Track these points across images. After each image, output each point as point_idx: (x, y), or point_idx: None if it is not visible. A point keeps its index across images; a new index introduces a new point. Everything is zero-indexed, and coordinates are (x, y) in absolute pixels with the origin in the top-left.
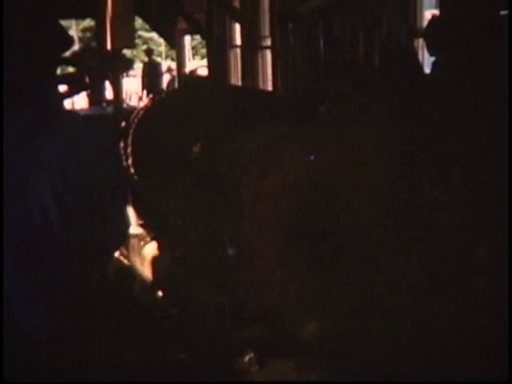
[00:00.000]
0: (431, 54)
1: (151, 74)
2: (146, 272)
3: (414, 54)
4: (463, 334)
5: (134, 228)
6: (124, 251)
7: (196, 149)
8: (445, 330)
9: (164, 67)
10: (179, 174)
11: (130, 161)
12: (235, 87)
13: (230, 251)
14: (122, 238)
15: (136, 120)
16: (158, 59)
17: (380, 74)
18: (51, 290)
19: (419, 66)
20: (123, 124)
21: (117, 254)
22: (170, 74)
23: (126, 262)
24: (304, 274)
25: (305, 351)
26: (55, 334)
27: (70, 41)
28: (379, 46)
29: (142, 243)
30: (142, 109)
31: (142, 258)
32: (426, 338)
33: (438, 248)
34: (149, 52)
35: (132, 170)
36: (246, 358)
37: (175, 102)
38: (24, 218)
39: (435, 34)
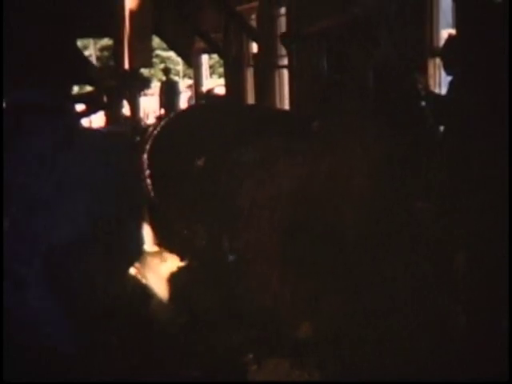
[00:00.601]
0: (448, 73)
1: (169, 93)
2: (163, 289)
3: (412, 76)
4: (448, 333)
5: (151, 246)
6: (141, 269)
7: (200, 162)
8: (432, 330)
9: (182, 86)
10: (185, 186)
11: (146, 176)
12: (243, 106)
13: (230, 257)
14: (137, 253)
15: (151, 138)
16: (176, 78)
17: (376, 95)
18: (78, 303)
19: (416, 88)
20: (138, 140)
21: (133, 271)
22: (191, 91)
23: (142, 279)
24: (297, 278)
25: (299, 351)
26: (81, 348)
27: (86, 62)
28: (374, 68)
29: (159, 261)
30: (155, 127)
31: (159, 276)
32: (416, 339)
33: (421, 254)
34: (166, 71)
35: (149, 187)
36: (247, 359)
37: (188, 120)
38: (52, 232)
39: (452, 53)
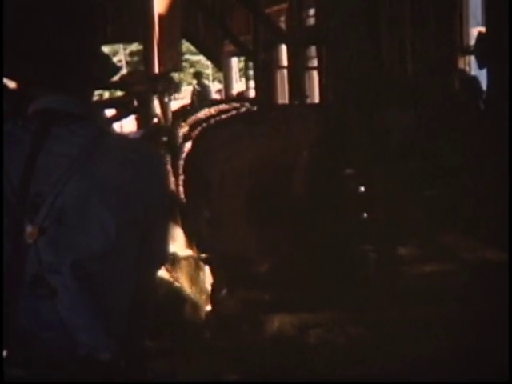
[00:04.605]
0: (480, 68)
1: (200, 97)
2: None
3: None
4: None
5: (184, 250)
6: (174, 273)
7: (189, 145)
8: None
9: (212, 89)
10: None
11: (180, 187)
12: None
13: (206, 214)
14: (165, 257)
15: (187, 150)
16: (206, 81)
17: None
18: (110, 310)
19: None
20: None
21: (166, 275)
22: (220, 95)
23: (175, 283)
24: (258, 229)
25: (261, 284)
26: (116, 354)
27: (115, 68)
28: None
29: (192, 265)
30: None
31: (192, 279)
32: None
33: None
34: (198, 75)
35: (181, 193)
36: (222, 293)
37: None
38: (81, 239)
39: (483, 49)
